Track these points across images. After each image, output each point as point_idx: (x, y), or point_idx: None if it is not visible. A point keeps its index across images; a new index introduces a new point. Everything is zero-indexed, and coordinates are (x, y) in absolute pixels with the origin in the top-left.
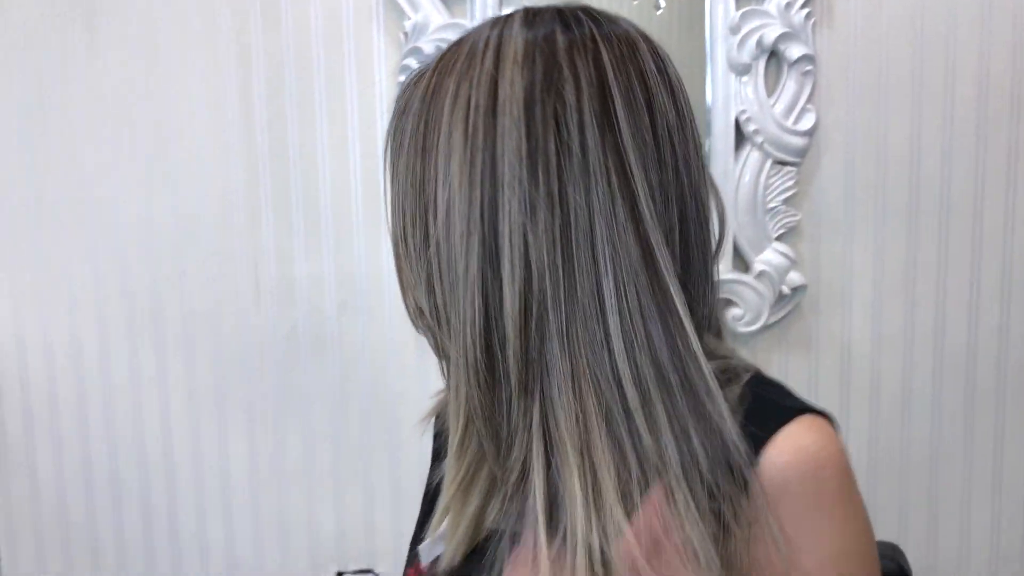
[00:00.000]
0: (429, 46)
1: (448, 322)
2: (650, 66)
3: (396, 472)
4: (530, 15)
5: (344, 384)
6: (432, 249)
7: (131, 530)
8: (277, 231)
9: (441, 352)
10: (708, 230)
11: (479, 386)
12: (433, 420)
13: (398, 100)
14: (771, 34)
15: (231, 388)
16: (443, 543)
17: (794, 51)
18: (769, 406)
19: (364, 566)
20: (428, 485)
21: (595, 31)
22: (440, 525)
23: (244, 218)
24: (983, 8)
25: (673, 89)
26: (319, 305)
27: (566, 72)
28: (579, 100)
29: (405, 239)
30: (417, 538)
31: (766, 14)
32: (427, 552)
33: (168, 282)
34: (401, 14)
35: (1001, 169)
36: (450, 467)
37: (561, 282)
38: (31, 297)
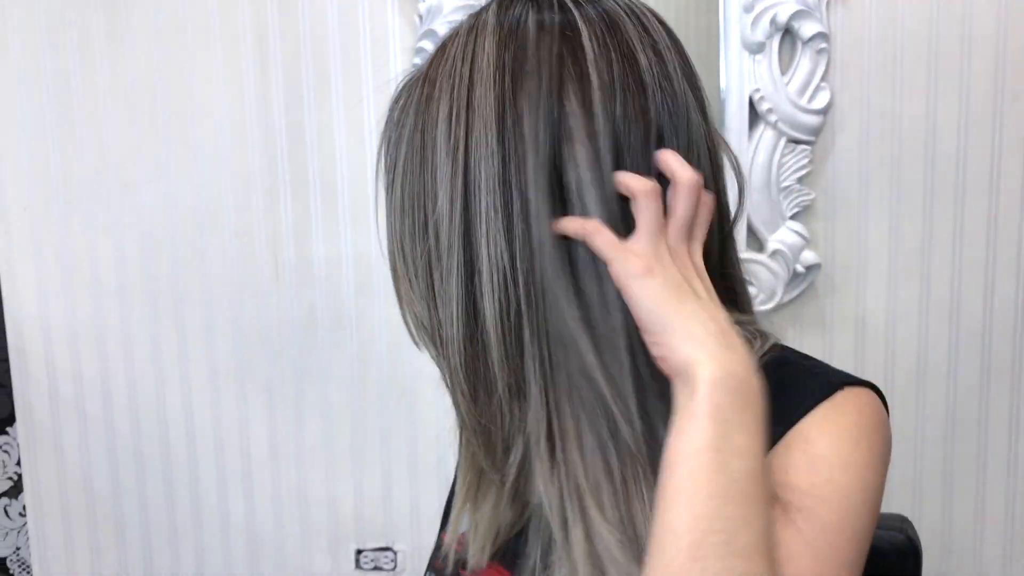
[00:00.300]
0: (443, 28)
1: (441, 335)
2: (636, 43)
3: (413, 451)
4: (503, 6)
5: (362, 364)
6: (428, 263)
7: (155, 508)
8: (295, 213)
9: (440, 365)
10: (724, 207)
11: (468, 394)
12: None
13: (389, 112)
14: (785, 12)
15: (251, 368)
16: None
17: (808, 29)
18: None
19: (382, 543)
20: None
21: (569, 16)
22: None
23: (263, 200)
24: None
25: (664, 62)
26: (337, 286)
27: (533, 74)
28: (549, 104)
29: (403, 253)
30: (449, 505)
31: None
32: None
33: (190, 264)
34: None
35: (1017, 146)
36: (461, 473)
37: (536, 287)
38: (56, 280)
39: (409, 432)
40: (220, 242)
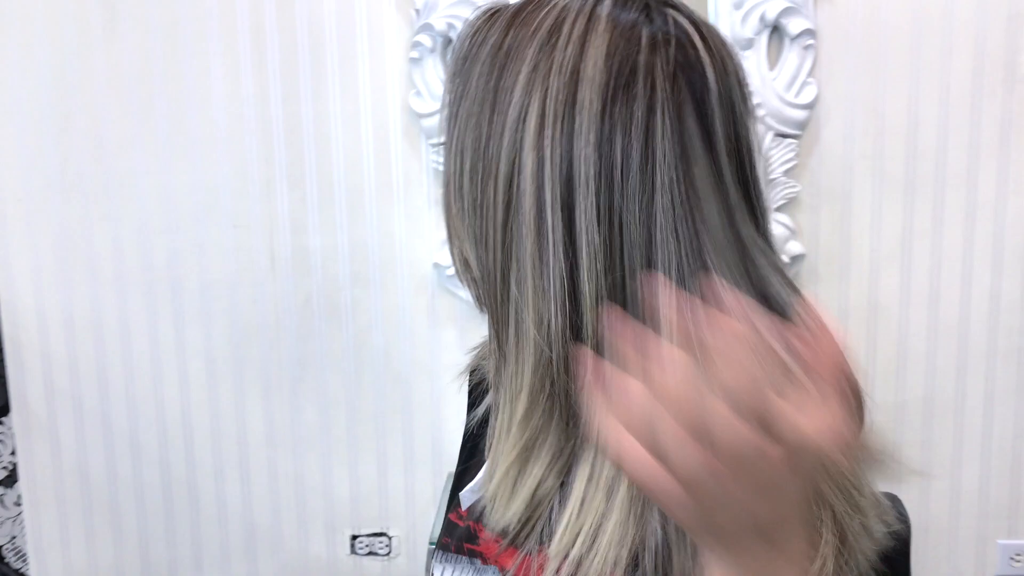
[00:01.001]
0: (441, 23)
1: (500, 282)
2: (733, 59)
3: (408, 438)
4: (617, 5)
5: (358, 352)
6: (490, 211)
7: (151, 496)
8: (292, 203)
9: (483, 305)
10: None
11: (561, 355)
12: (468, 374)
13: (465, 40)
14: (774, 9)
15: (248, 356)
16: (482, 491)
17: (796, 25)
18: None
19: (378, 529)
20: (465, 434)
21: (683, 30)
22: (487, 479)
23: (259, 190)
24: None
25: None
26: (333, 275)
27: (642, 77)
28: (652, 109)
29: (461, 189)
30: (458, 485)
31: None
32: (468, 499)
33: (187, 253)
34: None
35: (994, 140)
36: (511, 435)
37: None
38: (52, 270)
39: (404, 420)
40: (217, 232)
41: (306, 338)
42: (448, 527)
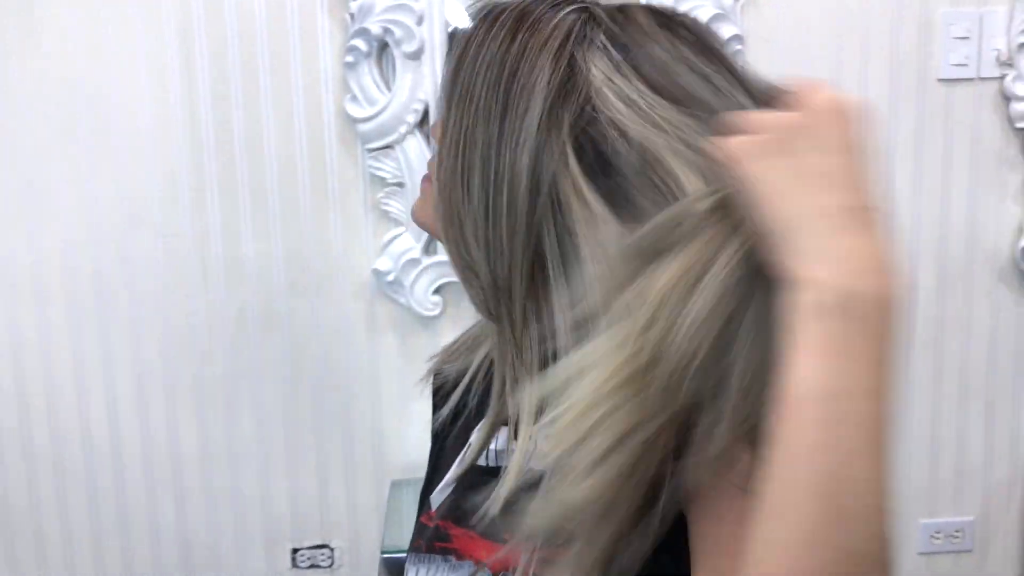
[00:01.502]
0: (376, 27)
1: (520, 290)
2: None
3: (349, 447)
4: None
5: (295, 362)
6: (506, 218)
7: (77, 518)
8: (223, 211)
9: (489, 311)
10: None
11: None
12: (431, 378)
13: (463, 40)
14: (704, 15)
15: (180, 370)
16: (447, 490)
17: (726, 31)
18: None
19: (319, 541)
20: (433, 437)
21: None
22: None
23: (189, 198)
24: None
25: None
26: (268, 284)
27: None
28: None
29: (468, 193)
30: (428, 488)
31: None
32: (437, 499)
33: (112, 265)
34: None
35: (908, 139)
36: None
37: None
38: None
39: (344, 428)
40: (145, 242)
41: (241, 349)
42: (419, 530)
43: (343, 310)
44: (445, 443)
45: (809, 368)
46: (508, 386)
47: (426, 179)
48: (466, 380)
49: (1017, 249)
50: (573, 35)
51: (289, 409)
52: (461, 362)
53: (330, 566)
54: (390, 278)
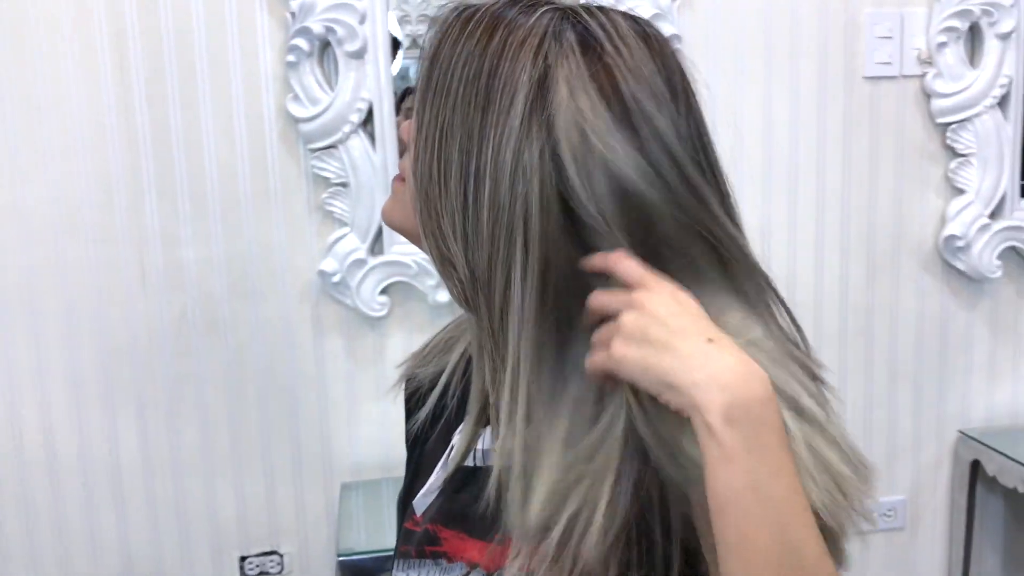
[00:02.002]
0: (318, 26)
1: (499, 283)
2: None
3: (296, 451)
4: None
5: (239, 367)
6: (489, 212)
7: (12, 535)
8: (162, 214)
9: (469, 304)
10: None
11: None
12: (404, 384)
13: (437, 36)
14: (643, 15)
15: (118, 378)
16: (431, 495)
17: (663, 30)
18: None
19: (267, 548)
20: (408, 443)
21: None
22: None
23: (126, 202)
24: None
25: None
26: (209, 288)
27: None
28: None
29: (445, 187)
30: (408, 494)
31: None
32: (421, 504)
33: (44, 271)
34: None
35: (838, 137)
36: (519, 429)
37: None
38: None
39: (291, 432)
40: (78, 248)
41: (183, 355)
42: (405, 536)
43: (287, 312)
44: (425, 447)
45: (728, 472)
46: (488, 377)
47: (398, 179)
48: (443, 382)
49: (940, 239)
50: (549, 33)
51: (234, 414)
52: (434, 365)
53: (279, 572)
54: (336, 279)
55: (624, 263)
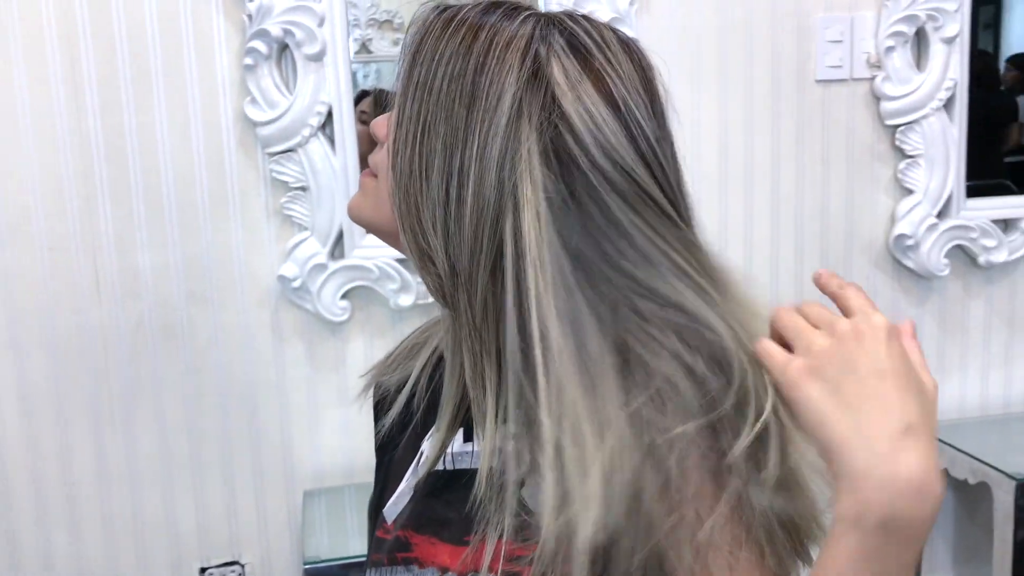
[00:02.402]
0: (277, 28)
1: (481, 278)
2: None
3: (257, 459)
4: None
5: (197, 374)
6: (472, 208)
7: None
8: (116, 220)
9: (446, 299)
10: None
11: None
12: (372, 391)
13: (422, 22)
14: (600, 19)
15: (72, 388)
16: (402, 502)
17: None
18: None
19: (228, 558)
20: (377, 450)
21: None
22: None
23: (78, 208)
24: None
25: None
26: (166, 295)
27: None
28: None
29: (427, 181)
30: (378, 502)
31: (596, 0)
32: (391, 512)
33: None
34: None
35: (792, 137)
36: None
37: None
38: None
39: (251, 440)
40: (29, 255)
41: (139, 363)
42: (376, 544)
43: (246, 319)
44: (394, 454)
45: (845, 566)
46: (468, 374)
47: (367, 174)
48: (408, 388)
49: (890, 238)
50: (536, 36)
51: (192, 422)
52: (400, 371)
53: None
54: (296, 284)
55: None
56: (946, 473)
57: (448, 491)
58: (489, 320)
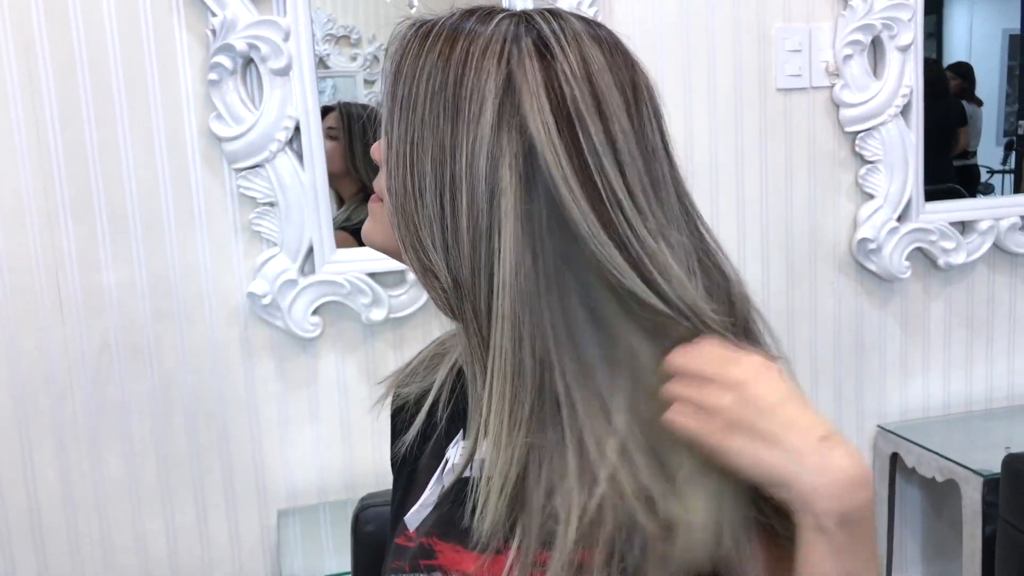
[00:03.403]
0: (242, 43)
1: (484, 288)
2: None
3: (229, 480)
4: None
5: (165, 394)
6: (467, 220)
7: None
8: (78, 238)
9: (454, 313)
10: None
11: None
12: (390, 401)
13: (400, 41)
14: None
15: (34, 411)
16: (426, 509)
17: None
18: None
19: None
20: (395, 462)
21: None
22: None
23: (39, 225)
24: (734, 9)
25: None
26: (131, 313)
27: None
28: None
29: (421, 198)
30: (400, 509)
31: None
32: (414, 519)
33: None
34: (205, 10)
35: (755, 145)
36: (511, 435)
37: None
38: None
39: (223, 459)
40: None
41: (104, 384)
42: (397, 552)
43: (215, 336)
44: (417, 464)
45: (834, 564)
46: (479, 384)
47: (375, 199)
48: (430, 399)
49: (853, 242)
50: (509, 37)
51: (161, 443)
52: (420, 384)
53: None
54: (266, 301)
55: (709, 350)
56: (914, 472)
57: (476, 498)
58: (491, 330)
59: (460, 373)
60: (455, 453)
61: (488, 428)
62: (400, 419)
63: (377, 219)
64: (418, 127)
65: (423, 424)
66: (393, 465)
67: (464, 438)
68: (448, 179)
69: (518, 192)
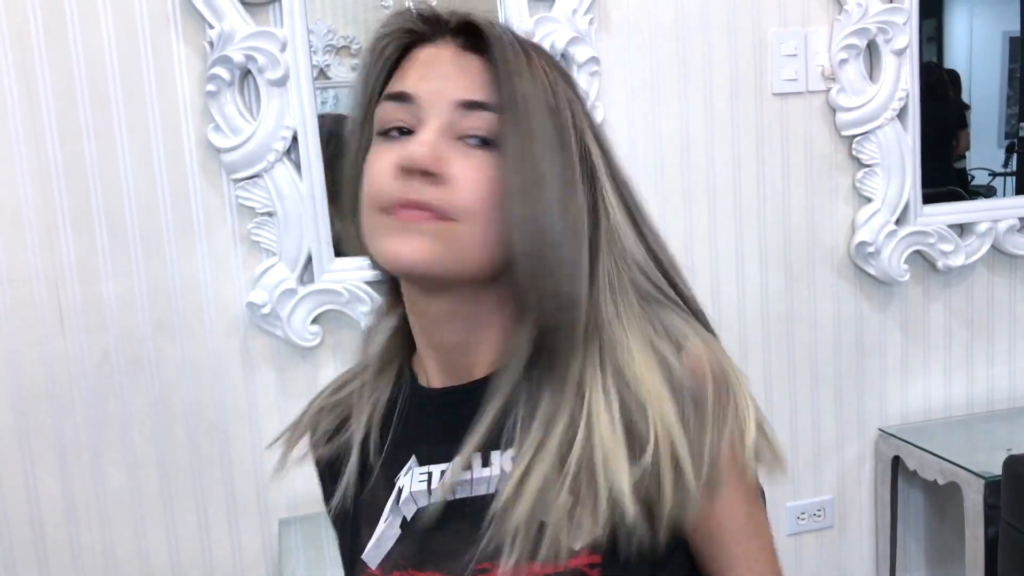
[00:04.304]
0: (239, 55)
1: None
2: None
3: (230, 490)
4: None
5: (166, 405)
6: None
7: None
8: (78, 250)
9: None
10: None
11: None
12: (310, 450)
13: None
14: (562, 38)
15: (36, 424)
16: (388, 542)
17: (582, 54)
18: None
19: None
20: (333, 513)
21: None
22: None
23: (38, 238)
24: (729, 14)
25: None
26: (131, 325)
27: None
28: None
29: (575, 228)
30: (352, 554)
31: (555, 20)
32: (374, 556)
33: None
34: (202, 22)
35: (752, 149)
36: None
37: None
38: None
39: (224, 470)
40: None
41: (105, 396)
42: None
43: (215, 347)
44: (359, 502)
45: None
46: (522, 402)
47: (433, 217)
48: (358, 443)
49: (851, 246)
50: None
51: (163, 454)
52: (336, 444)
53: None
54: (265, 310)
55: None
56: (915, 475)
57: (455, 521)
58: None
59: (390, 407)
60: (410, 481)
61: (524, 438)
62: (330, 472)
63: (439, 240)
64: (562, 158)
65: (358, 465)
66: (335, 520)
67: (420, 463)
68: (586, 207)
69: (594, 213)
